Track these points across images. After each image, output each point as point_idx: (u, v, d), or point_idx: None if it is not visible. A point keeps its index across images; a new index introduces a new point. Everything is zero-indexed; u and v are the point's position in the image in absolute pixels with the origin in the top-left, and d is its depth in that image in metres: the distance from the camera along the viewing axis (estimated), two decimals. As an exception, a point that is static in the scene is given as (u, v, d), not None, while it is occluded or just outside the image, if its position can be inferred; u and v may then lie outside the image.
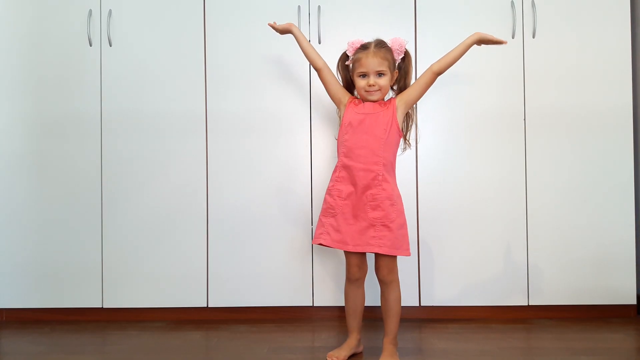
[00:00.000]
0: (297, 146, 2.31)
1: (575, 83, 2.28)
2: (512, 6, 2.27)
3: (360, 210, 1.72)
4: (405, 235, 1.74)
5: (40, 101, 2.33)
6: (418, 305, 2.29)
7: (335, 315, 2.34)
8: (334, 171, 1.79)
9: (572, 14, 2.28)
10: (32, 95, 2.34)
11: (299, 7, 2.29)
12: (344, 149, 1.76)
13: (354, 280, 1.80)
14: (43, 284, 2.33)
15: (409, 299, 2.28)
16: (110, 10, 2.32)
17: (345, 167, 1.75)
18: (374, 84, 1.72)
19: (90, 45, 2.33)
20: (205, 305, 2.32)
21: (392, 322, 1.78)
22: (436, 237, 2.28)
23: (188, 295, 2.31)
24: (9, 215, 2.33)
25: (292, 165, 2.31)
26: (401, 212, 1.74)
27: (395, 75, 1.79)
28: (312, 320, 2.32)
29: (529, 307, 2.30)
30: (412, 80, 1.82)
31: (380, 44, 1.75)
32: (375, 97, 1.75)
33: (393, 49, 1.76)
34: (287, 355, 1.87)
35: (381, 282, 1.78)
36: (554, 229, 2.27)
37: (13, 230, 2.33)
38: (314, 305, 2.31)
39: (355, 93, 1.84)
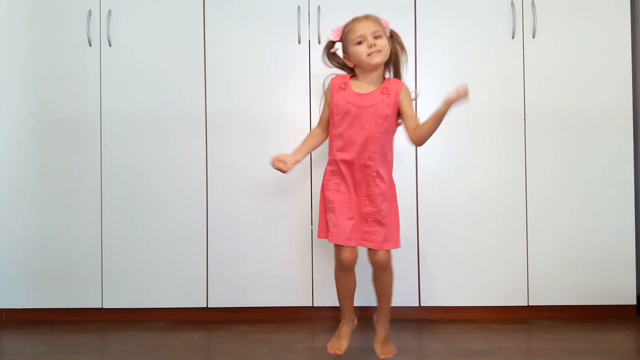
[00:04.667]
0: (297, 146, 2.30)
1: (575, 83, 2.27)
2: (512, 6, 2.27)
3: (354, 203, 1.72)
4: (397, 227, 1.74)
5: (39, 101, 2.33)
6: (418, 305, 2.29)
7: (336, 316, 2.33)
8: (328, 164, 1.77)
9: (572, 14, 2.27)
10: (31, 95, 2.34)
11: (298, 7, 2.29)
12: (338, 142, 1.73)
13: (346, 267, 1.76)
14: (43, 284, 2.33)
15: (409, 299, 2.28)
16: (110, 11, 2.32)
17: (339, 162, 1.73)
18: (375, 43, 1.66)
19: (90, 46, 2.32)
20: (205, 306, 2.32)
21: (386, 303, 1.80)
22: (436, 237, 2.28)
23: (188, 296, 2.31)
24: (9, 216, 2.33)
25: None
26: (393, 207, 1.74)
27: (390, 46, 1.73)
28: (312, 320, 2.32)
29: (529, 307, 2.29)
30: (403, 63, 1.79)
31: (370, 15, 1.74)
32: (378, 58, 1.68)
33: (381, 23, 1.74)
34: (287, 355, 1.88)
35: (376, 266, 1.76)
36: (554, 229, 2.27)
37: (13, 230, 2.33)
38: (314, 305, 2.31)
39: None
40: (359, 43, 1.68)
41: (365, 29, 1.68)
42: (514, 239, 2.28)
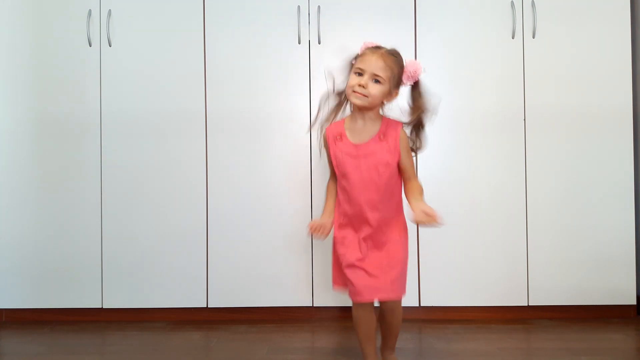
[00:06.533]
0: (297, 146, 2.31)
1: (575, 83, 2.28)
2: (512, 6, 2.27)
3: (363, 252, 1.61)
4: (403, 275, 1.59)
5: (39, 101, 2.33)
6: (418, 305, 2.29)
7: (336, 316, 2.34)
8: (337, 215, 1.64)
9: (572, 14, 2.27)
10: (31, 95, 2.34)
11: (298, 7, 2.29)
12: (342, 195, 1.61)
13: (364, 306, 1.60)
14: (43, 284, 2.33)
15: (409, 299, 2.28)
16: (109, 11, 2.32)
17: (345, 214, 1.62)
18: (365, 85, 1.50)
19: (90, 46, 2.32)
20: (205, 306, 2.32)
21: (393, 339, 1.69)
22: (436, 237, 2.28)
23: (188, 295, 2.31)
24: (9, 216, 2.33)
25: (291, 166, 2.31)
26: (405, 256, 1.61)
27: (394, 96, 1.58)
28: (312, 320, 2.32)
29: (529, 307, 2.30)
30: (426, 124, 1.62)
31: (395, 53, 1.56)
32: (358, 101, 1.52)
33: (406, 70, 1.56)
34: (287, 355, 1.87)
35: (386, 310, 1.63)
36: (554, 229, 2.27)
37: (13, 231, 2.33)
38: (314, 305, 2.31)
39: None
40: (357, 74, 1.54)
41: (370, 65, 1.51)
42: (514, 239, 2.28)
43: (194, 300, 2.31)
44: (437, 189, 2.28)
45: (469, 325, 2.21)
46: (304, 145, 2.31)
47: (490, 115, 2.28)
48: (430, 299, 2.29)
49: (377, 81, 1.52)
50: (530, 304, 2.28)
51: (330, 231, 1.64)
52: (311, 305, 2.31)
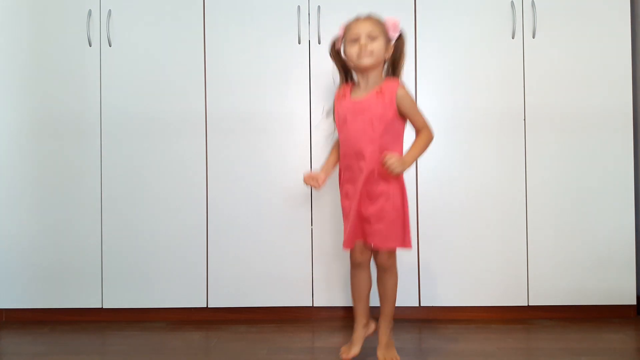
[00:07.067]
0: (297, 146, 2.31)
1: (575, 83, 2.27)
2: (512, 6, 2.27)
3: (358, 202, 1.71)
4: (401, 227, 1.69)
5: (39, 101, 2.33)
6: (418, 305, 2.29)
7: (336, 316, 2.34)
8: (341, 170, 1.79)
9: (572, 14, 2.27)
10: (31, 95, 2.34)
11: (298, 7, 2.29)
12: (342, 148, 1.76)
13: (356, 264, 1.78)
14: (43, 284, 2.33)
15: (409, 299, 2.28)
16: (109, 11, 2.32)
17: (346, 168, 1.75)
18: (365, 44, 1.65)
19: (90, 46, 2.32)
20: (205, 306, 2.32)
21: (388, 306, 1.78)
22: (436, 237, 2.28)
23: (188, 295, 2.31)
24: (9, 215, 2.33)
25: (292, 165, 2.31)
26: (397, 206, 1.69)
27: (390, 50, 1.72)
28: (312, 320, 2.32)
29: (529, 307, 2.30)
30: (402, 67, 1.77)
31: (372, 15, 1.72)
32: (366, 60, 1.66)
33: (387, 25, 1.71)
34: (287, 355, 1.87)
35: (379, 267, 1.77)
36: (554, 229, 2.27)
37: (13, 230, 2.33)
38: (314, 305, 2.31)
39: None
40: (353, 42, 1.68)
41: (361, 29, 1.67)
42: (514, 239, 2.28)
43: (194, 300, 2.31)
44: (437, 189, 2.29)
45: (469, 325, 2.21)
46: (304, 145, 2.31)
47: (490, 115, 2.28)
48: (430, 299, 2.29)
49: (373, 38, 1.67)
50: (530, 304, 2.28)
51: (323, 183, 1.77)
52: (311, 305, 2.31)
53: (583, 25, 2.27)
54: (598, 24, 2.27)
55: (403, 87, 1.70)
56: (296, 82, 2.31)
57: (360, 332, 1.81)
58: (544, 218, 2.27)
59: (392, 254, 1.75)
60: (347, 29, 1.71)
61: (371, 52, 1.66)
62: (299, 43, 2.30)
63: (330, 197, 2.28)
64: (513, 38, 2.28)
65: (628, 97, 2.27)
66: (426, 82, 2.29)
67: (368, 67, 1.68)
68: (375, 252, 1.76)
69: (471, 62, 2.29)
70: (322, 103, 2.28)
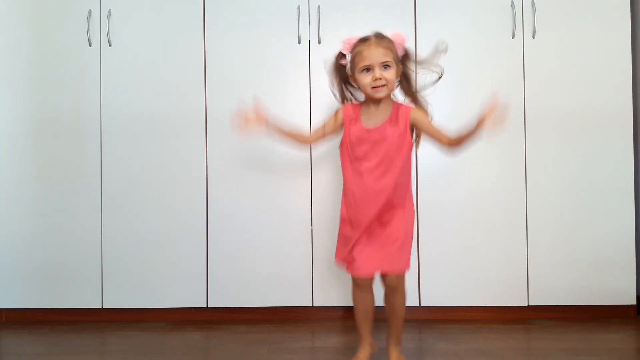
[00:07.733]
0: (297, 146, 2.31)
1: (575, 83, 2.27)
2: (512, 6, 2.27)
3: (369, 229, 1.67)
4: (406, 251, 1.65)
5: (39, 101, 2.33)
6: (418, 305, 2.29)
7: (335, 316, 2.34)
8: (345, 195, 1.71)
9: (572, 14, 2.27)
10: (31, 95, 2.34)
11: (298, 7, 2.29)
12: (355, 177, 1.67)
13: (362, 286, 1.69)
14: (43, 284, 2.33)
15: (409, 299, 2.25)
16: (109, 11, 2.32)
17: (356, 194, 1.67)
18: (381, 77, 1.58)
19: (90, 46, 2.32)
20: (205, 306, 2.32)
21: (397, 326, 1.73)
22: (436, 237, 2.28)
23: (188, 296, 2.31)
24: (9, 215, 2.33)
25: (292, 165, 2.31)
26: (408, 231, 1.66)
27: (400, 70, 1.66)
28: (312, 320, 2.32)
29: (529, 308, 2.30)
30: (413, 81, 1.73)
31: (381, 35, 1.63)
32: (382, 93, 1.61)
33: (395, 42, 1.63)
34: (287, 355, 1.88)
35: (387, 287, 1.69)
36: (554, 229, 2.27)
37: (13, 230, 2.33)
38: (314, 305, 2.31)
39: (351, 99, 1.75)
40: (365, 71, 1.61)
41: (374, 57, 1.58)
42: (514, 239, 2.28)
43: (194, 300, 2.31)
44: (437, 189, 2.28)
45: (469, 325, 2.21)
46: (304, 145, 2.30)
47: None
48: (430, 299, 2.29)
49: (386, 67, 1.60)
50: (530, 304, 2.28)
51: (254, 125, 1.71)
52: (311, 305, 2.31)
53: (583, 25, 2.27)
54: (598, 24, 2.27)
55: (414, 108, 1.68)
56: (296, 82, 2.31)
57: (367, 351, 1.75)
58: (544, 218, 2.27)
59: (400, 275, 1.69)
60: (357, 53, 1.62)
61: (385, 85, 1.60)
62: (299, 43, 2.30)
63: (330, 197, 2.28)
64: (513, 38, 2.28)
65: (628, 97, 2.27)
66: (426, 81, 2.28)
67: (383, 98, 1.64)
68: (382, 274, 1.68)
69: (471, 62, 2.29)
70: (322, 103, 2.28)
